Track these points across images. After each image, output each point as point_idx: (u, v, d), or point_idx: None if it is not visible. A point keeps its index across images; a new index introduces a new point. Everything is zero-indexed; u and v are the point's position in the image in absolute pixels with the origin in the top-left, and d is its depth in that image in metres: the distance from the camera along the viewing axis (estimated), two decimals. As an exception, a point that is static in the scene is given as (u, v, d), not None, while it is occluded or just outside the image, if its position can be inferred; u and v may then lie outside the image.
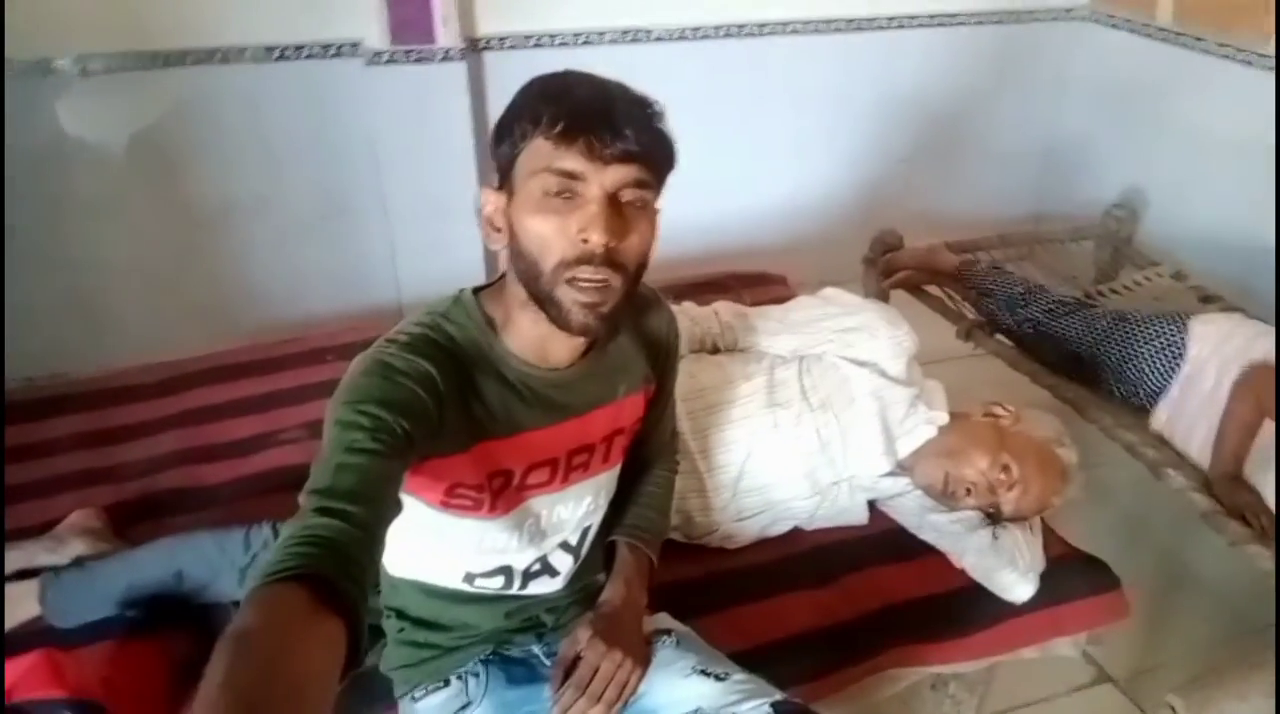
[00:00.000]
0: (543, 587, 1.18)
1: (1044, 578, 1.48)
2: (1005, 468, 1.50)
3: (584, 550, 1.20)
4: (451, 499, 1.03)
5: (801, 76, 2.90)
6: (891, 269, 2.59)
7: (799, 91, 2.93)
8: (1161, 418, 2.05)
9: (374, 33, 2.44)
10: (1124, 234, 2.72)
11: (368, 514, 0.83)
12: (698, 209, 2.91)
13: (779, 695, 1.10)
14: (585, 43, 2.63)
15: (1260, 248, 2.54)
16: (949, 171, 3.22)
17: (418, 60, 2.48)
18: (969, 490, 1.51)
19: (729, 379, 1.58)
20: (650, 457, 1.29)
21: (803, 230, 3.04)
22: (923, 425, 1.57)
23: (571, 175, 0.88)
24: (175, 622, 1.36)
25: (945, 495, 1.53)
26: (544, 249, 0.91)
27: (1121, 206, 2.76)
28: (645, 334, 1.16)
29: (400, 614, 1.17)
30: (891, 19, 2.92)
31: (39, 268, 2.38)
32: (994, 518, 1.54)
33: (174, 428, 1.80)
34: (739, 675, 1.14)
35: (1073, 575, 1.54)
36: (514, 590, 1.16)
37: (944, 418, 1.59)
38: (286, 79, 2.45)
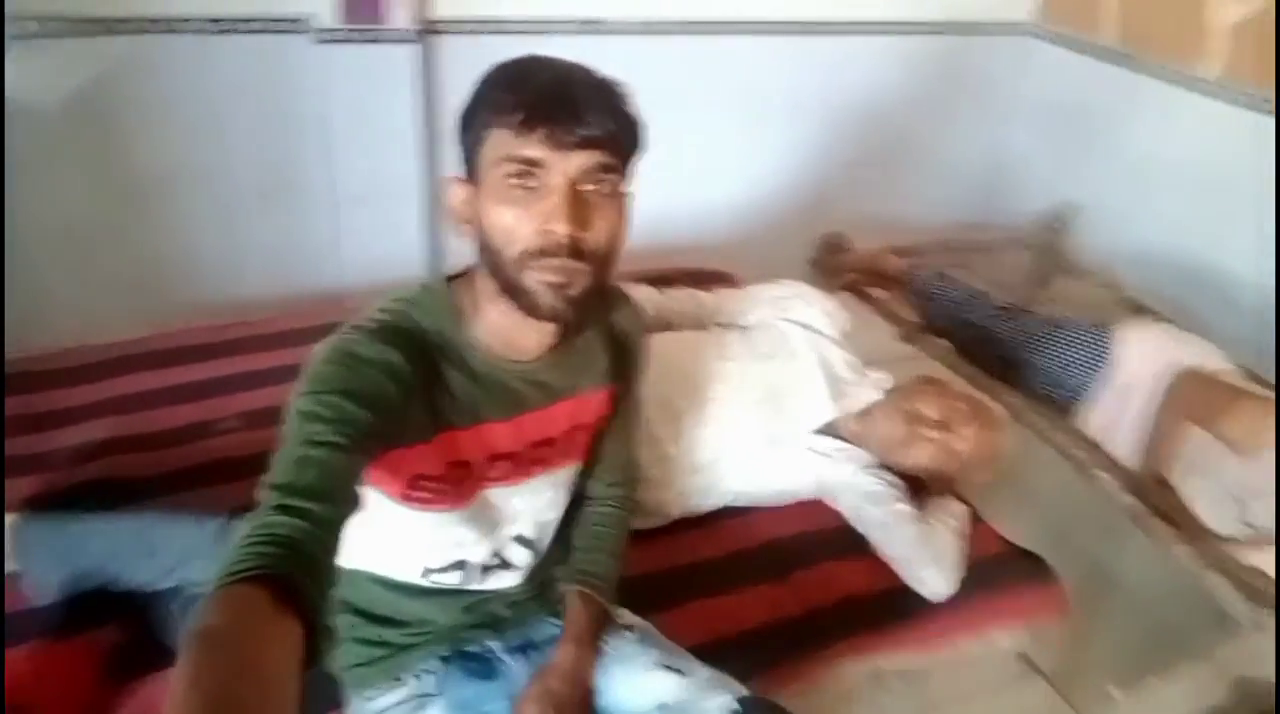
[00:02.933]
0: (500, 582, 1.16)
1: (983, 572, 1.53)
2: (956, 408, 1.57)
3: (541, 545, 1.19)
4: (413, 491, 1.01)
5: (756, 75, 2.92)
6: (837, 271, 2.63)
7: (753, 90, 2.95)
8: (1092, 422, 2.13)
9: (325, 9, 2.38)
10: (1059, 245, 2.82)
11: (328, 511, 0.81)
12: (646, 204, 2.92)
13: (744, 691, 1.11)
14: (542, 32, 2.61)
15: (1189, 265, 2.66)
16: (895, 177, 3.27)
17: (370, 40, 2.42)
18: (931, 429, 1.55)
19: (679, 341, 1.64)
20: (606, 480, 1.26)
21: (750, 229, 3.06)
22: (869, 387, 1.64)
23: (533, 163, 0.87)
24: (102, 617, 1.31)
25: (905, 442, 1.57)
26: (508, 240, 0.90)
27: (1058, 218, 2.86)
28: (612, 331, 1.15)
29: (354, 609, 1.14)
30: (846, 24, 2.95)
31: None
32: (932, 493, 1.62)
33: (106, 414, 1.72)
34: (702, 671, 1.15)
35: (1010, 570, 1.59)
36: (472, 585, 1.14)
37: (889, 381, 1.67)
38: (232, 52, 2.36)
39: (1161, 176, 2.81)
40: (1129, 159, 2.89)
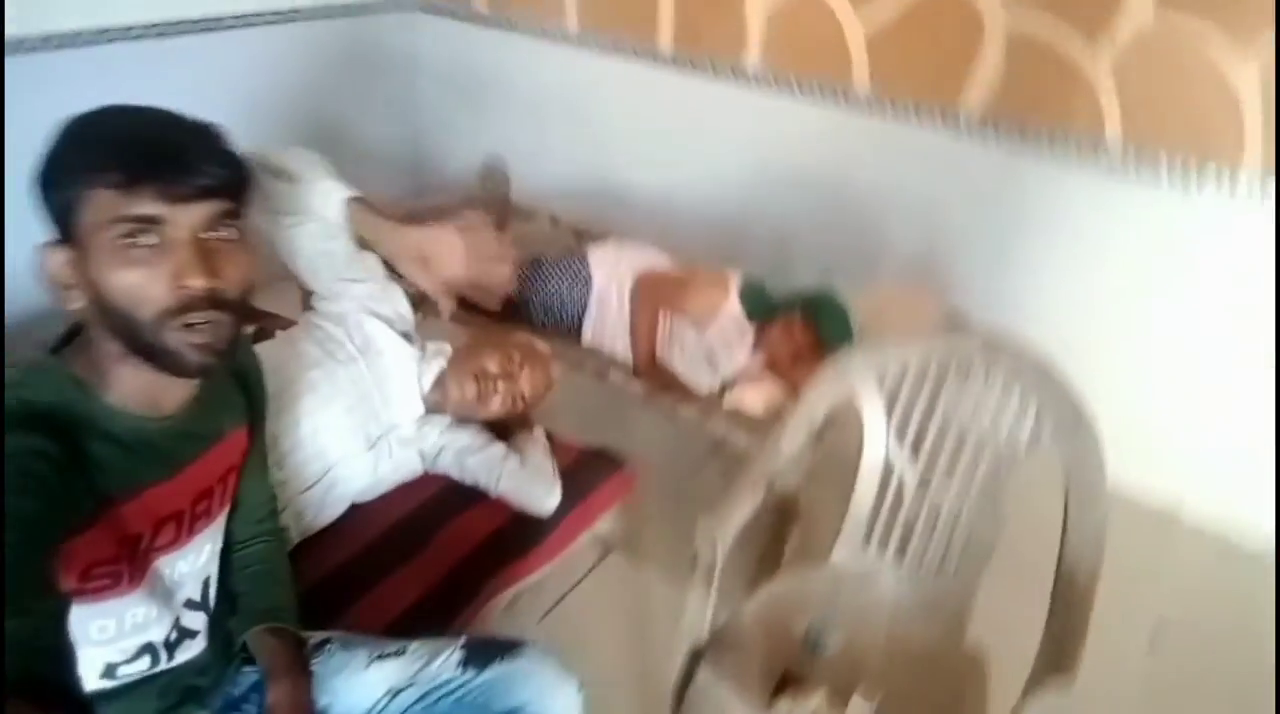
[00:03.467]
0: (188, 652, 1.10)
1: (572, 477, 1.79)
2: (510, 357, 1.75)
3: (211, 603, 1.13)
4: (87, 584, 0.92)
5: (159, 83, 2.69)
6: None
7: (162, 98, 2.72)
8: (588, 334, 2.52)
9: None
10: (502, 193, 3.15)
11: (41, 609, 0.77)
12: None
13: (462, 639, 1.20)
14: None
15: (598, 184, 3.20)
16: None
17: None
18: (496, 382, 1.72)
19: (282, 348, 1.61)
20: (255, 518, 1.24)
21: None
22: (435, 357, 1.77)
23: (150, 220, 0.84)
24: None
25: (479, 399, 1.72)
26: (137, 303, 0.86)
27: (494, 170, 3.19)
28: (235, 366, 1.12)
29: None
30: (235, 18, 2.86)
31: None
32: (510, 428, 1.80)
33: None
34: (413, 644, 1.21)
35: (590, 469, 1.87)
36: (162, 666, 1.06)
37: (448, 347, 1.80)
38: None
39: (553, 116, 3.30)
40: (523, 106, 3.33)
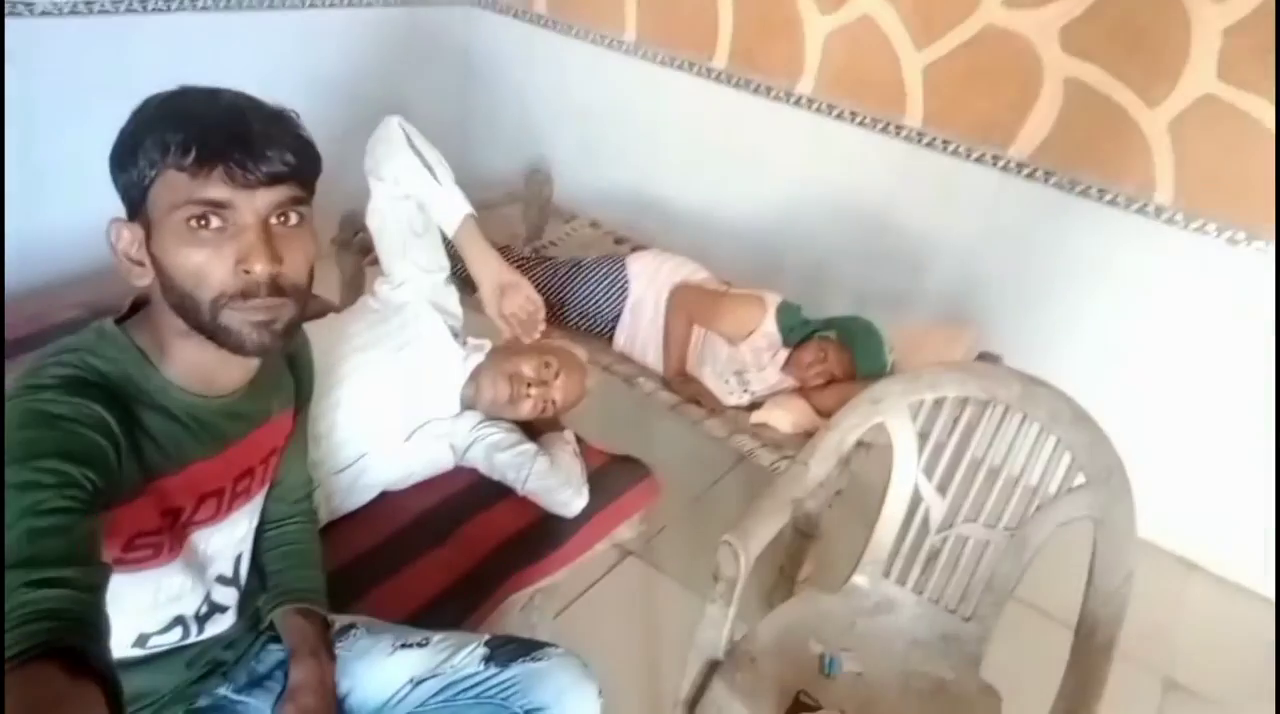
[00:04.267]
0: (217, 626, 1.12)
1: (597, 481, 1.80)
2: (547, 364, 1.76)
3: (242, 579, 1.15)
4: (129, 553, 0.94)
5: (217, 57, 2.75)
6: (366, 248, 2.66)
7: (216, 74, 2.77)
8: (620, 340, 2.53)
9: None
10: (545, 195, 3.18)
11: (85, 575, 0.76)
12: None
13: (485, 636, 1.22)
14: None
15: (644, 195, 3.22)
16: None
17: None
18: (529, 386, 1.73)
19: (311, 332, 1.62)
20: (291, 498, 1.26)
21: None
22: (474, 353, 1.78)
23: (218, 204, 0.85)
24: None
25: (511, 401, 1.73)
26: (200, 283, 0.87)
27: (538, 171, 3.21)
28: (289, 349, 1.14)
29: None
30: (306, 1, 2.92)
31: None
32: (540, 429, 1.82)
33: None
34: (437, 636, 1.22)
35: (616, 475, 1.88)
36: (192, 639, 1.07)
37: (488, 344, 1.82)
38: None
39: (602, 122, 3.31)
40: (574, 111, 3.36)
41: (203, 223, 0.85)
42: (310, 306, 1.88)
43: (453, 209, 1.67)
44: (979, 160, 2.58)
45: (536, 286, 2.56)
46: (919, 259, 2.78)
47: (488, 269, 1.69)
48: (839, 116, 2.80)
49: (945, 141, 2.63)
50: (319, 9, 2.98)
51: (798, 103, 2.87)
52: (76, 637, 0.71)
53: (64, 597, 0.72)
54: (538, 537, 1.69)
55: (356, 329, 1.66)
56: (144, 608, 1.00)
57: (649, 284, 2.52)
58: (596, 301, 2.55)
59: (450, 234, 1.69)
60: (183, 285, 0.87)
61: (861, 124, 2.76)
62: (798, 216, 2.99)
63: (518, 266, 2.60)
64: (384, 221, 1.73)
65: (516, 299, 1.71)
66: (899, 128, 2.70)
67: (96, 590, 0.77)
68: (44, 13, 2.32)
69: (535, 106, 3.49)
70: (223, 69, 2.77)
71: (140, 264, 0.90)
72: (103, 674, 0.70)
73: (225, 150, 0.84)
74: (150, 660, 1.04)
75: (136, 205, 0.88)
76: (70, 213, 2.29)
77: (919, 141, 2.67)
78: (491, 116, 3.62)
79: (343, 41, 3.10)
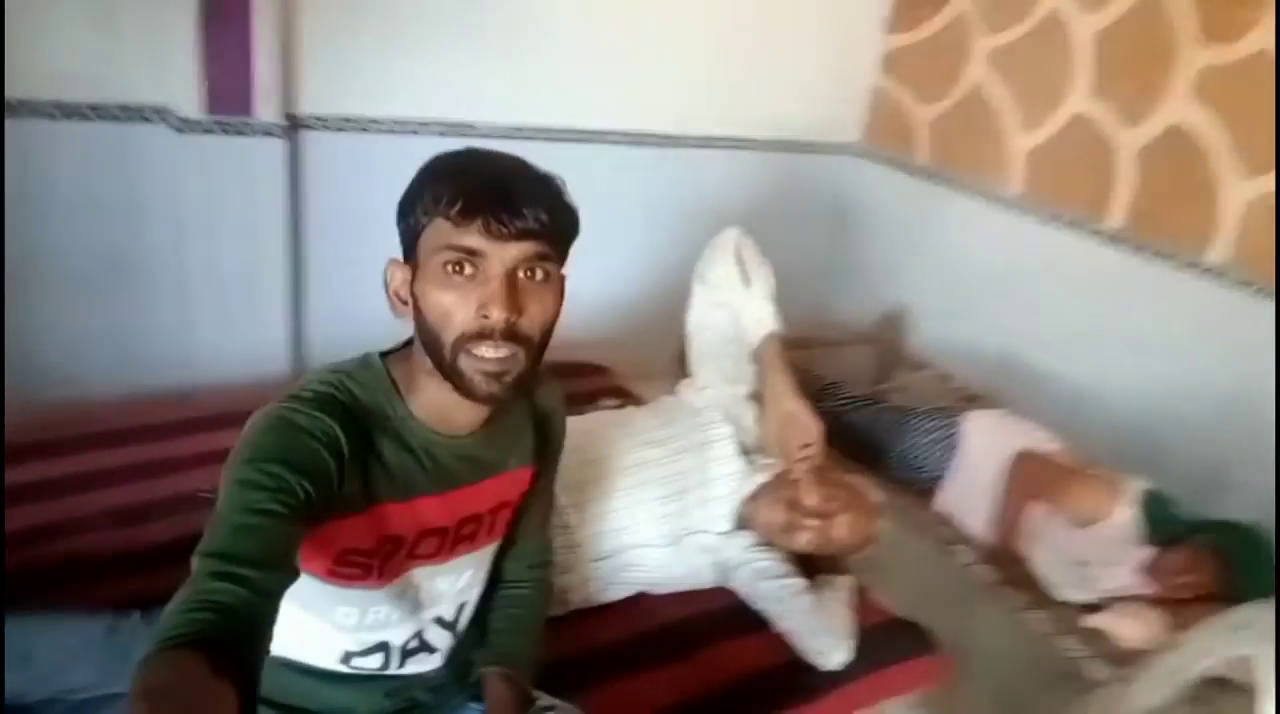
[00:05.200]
0: (421, 665, 1.13)
1: (870, 642, 1.59)
2: (831, 497, 1.63)
3: (460, 627, 1.16)
4: (340, 567, 0.98)
5: (616, 184, 3.06)
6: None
7: (614, 197, 3.08)
8: (945, 500, 2.29)
9: (186, 100, 2.32)
10: (897, 341, 3.06)
11: (267, 579, 0.81)
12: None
13: None
14: (411, 132, 2.65)
15: (1008, 357, 2.95)
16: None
17: (234, 133, 2.38)
18: (808, 517, 1.60)
19: (597, 421, 1.67)
20: (525, 562, 1.26)
21: (612, 327, 3.15)
22: (760, 471, 1.69)
23: (472, 252, 0.91)
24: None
25: (787, 529, 1.62)
26: (445, 323, 0.93)
27: (892, 317, 3.11)
28: (536, 409, 1.17)
29: (267, 700, 1.07)
30: (699, 139, 3.17)
31: None
32: (819, 568, 1.68)
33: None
34: None
35: (898, 640, 1.66)
36: (392, 670, 1.10)
37: (778, 466, 1.71)
38: (83, 139, 2.26)
39: (970, 276, 3.13)
40: (946, 263, 3.21)
41: (458, 269, 0.91)
42: (617, 397, 1.95)
43: (758, 323, 1.65)
44: None
45: (859, 429, 2.46)
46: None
47: (773, 390, 1.63)
48: (1258, 292, 2.36)
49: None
50: (712, 148, 3.21)
51: (1206, 272, 2.48)
52: (233, 636, 0.75)
53: (238, 595, 0.77)
54: (785, 681, 1.53)
55: (648, 425, 1.67)
56: (350, 626, 1.04)
57: (987, 445, 2.27)
58: (920, 454, 2.35)
59: (752, 346, 1.66)
60: (433, 324, 0.93)
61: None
62: (1191, 404, 2.53)
63: (840, 405, 2.51)
64: (698, 326, 1.75)
65: (792, 429, 1.61)
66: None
67: (272, 596, 0.81)
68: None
69: (903, 254, 3.40)
70: (612, 193, 3.15)
71: (405, 302, 0.98)
72: (244, 678, 0.73)
73: (486, 204, 0.90)
74: (352, 680, 1.08)
75: (410, 248, 0.96)
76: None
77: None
78: (858, 260, 3.60)
79: (724, 178, 3.30)
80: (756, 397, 1.80)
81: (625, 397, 2.18)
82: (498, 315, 0.90)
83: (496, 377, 0.93)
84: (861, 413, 2.50)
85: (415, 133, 2.64)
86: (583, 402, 2.00)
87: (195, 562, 0.80)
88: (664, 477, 1.61)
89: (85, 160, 2.30)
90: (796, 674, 1.54)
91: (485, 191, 0.90)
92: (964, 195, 3.14)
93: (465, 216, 0.90)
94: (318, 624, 1.04)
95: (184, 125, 2.33)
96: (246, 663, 0.74)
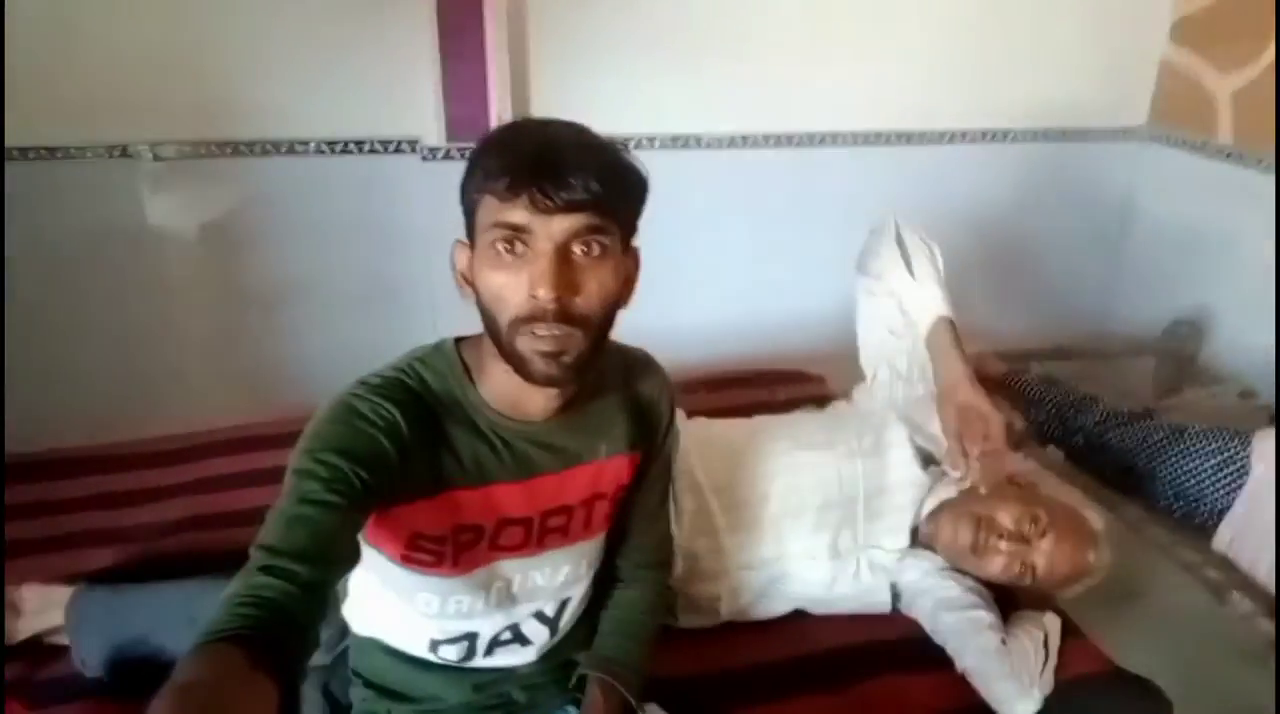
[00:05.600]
0: (512, 657, 1.11)
1: (1076, 697, 1.34)
2: (1035, 518, 1.41)
3: (562, 624, 1.13)
4: (413, 552, 0.98)
5: (851, 186, 2.91)
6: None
7: (848, 201, 2.93)
8: (1225, 537, 1.90)
9: (431, 130, 2.55)
10: (1188, 351, 2.61)
11: (315, 573, 0.81)
12: (737, 313, 2.92)
13: None
14: (636, 146, 2.71)
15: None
16: (1006, 284, 3.14)
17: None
18: (1002, 537, 1.41)
19: (750, 425, 1.60)
20: (635, 560, 1.20)
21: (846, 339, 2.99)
22: (946, 486, 1.51)
23: (519, 228, 0.86)
24: (144, 689, 1.32)
25: (975, 550, 1.43)
26: (498, 304, 0.89)
27: (1185, 323, 2.65)
28: (634, 397, 1.11)
29: (365, 681, 1.11)
30: (943, 134, 2.93)
31: (93, 340, 2.49)
32: (1019, 603, 1.45)
33: (184, 495, 1.80)
34: None
35: (1114, 697, 1.38)
36: (478, 661, 1.09)
37: (968, 481, 1.49)
38: (346, 171, 2.56)
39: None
40: (1254, 260, 2.67)
41: (509, 247, 0.87)
42: (819, 405, 1.82)
43: (926, 309, 1.47)
44: None
45: (1120, 449, 2.11)
46: None
47: (949, 381, 1.43)
48: None
49: None
50: (954, 144, 2.96)
51: None
52: (274, 629, 0.75)
53: (284, 590, 0.78)
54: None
55: (810, 428, 1.54)
56: (432, 614, 1.04)
57: None
58: (1201, 483, 1.96)
59: (921, 335, 1.48)
60: (489, 307, 0.90)
61: None
62: None
63: (1102, 420, 2.17)
64: (867, 322, 1.60)
65: (974, 425, 1.40)
66: None
67: (319, 589, 0.81)
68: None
69: (1201, 251, 2.89)
70: (845, 197, 2.97)
71: (470, 284, 0.95)
72: (285, 673, 0.73)
73: (531, 176, 0.85)
74: (441, 669, 1.08)
75: (469, 228, 0.94)
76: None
77: None
78: (1146, 260, 3.11)
79: (978, 175, 3.01)
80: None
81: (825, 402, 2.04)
82: (545, 295, 0.85)
83: (554, 357, 0.89)
84: (1125, 431, 2.14)
85: (640, 147, 2.69)
86: (779, 409, 1.89)
87: (251, 551, 0.82)
88: (823, 480, 1.47)
89: (349, 190, 2.59)
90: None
91: (530, 163, 0.85)
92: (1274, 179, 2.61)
93: (511, 191, 0.85)
94: (404, 609, 1.05)
95: (429, 154, 2.56)
96: (289, 657, 0.75)
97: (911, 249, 1.52)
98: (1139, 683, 1.41)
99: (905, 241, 1.52)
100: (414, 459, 0.93)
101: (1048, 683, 1.34)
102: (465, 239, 0.96)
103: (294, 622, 0.78)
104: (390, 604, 1.05)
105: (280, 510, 0.84)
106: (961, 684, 1.38)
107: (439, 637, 1.07)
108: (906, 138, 2.90)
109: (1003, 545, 1.41)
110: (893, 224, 1.56)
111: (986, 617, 1.40)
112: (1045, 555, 1.41)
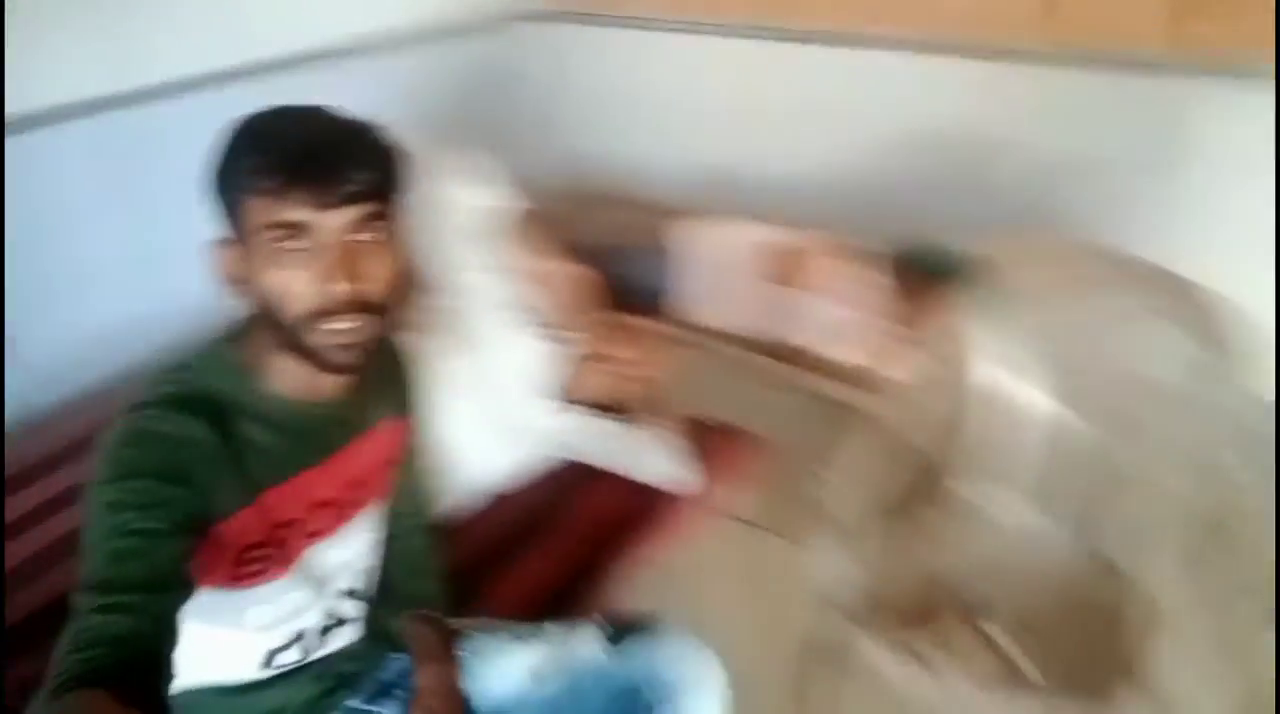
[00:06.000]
0: (340, 640, 1.13)
1: (697, 453, 1.75)
2: (629, 341, 1.67)
3: (369, 594, 1.17)
4: (243, 568, 0.96)
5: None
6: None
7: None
8: (689, 309, 2.43)
9: None
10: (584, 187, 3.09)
11: (156, 603, 0.78)
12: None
13: (596, 617, 1.19)
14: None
15: (720, 178, 3.03)
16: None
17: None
18: (611, 365, 1.64)
19: None
20: (409, 511, 1.24)
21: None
22: (562, 344, 1.69)
23: (298, 226, 0.85)
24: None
25: (600, 386, 1.65)
26: (286, 302, 0.88)
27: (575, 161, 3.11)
28: (391, 358, 1.16)
29: None
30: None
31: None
32: (634, 410, 1.75)
33: None
34: (550, 626, 1.20)
35: (716, 442, 1.83)
36: (314, 654, 1.09)
37: (577, 334, 1.70)
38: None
39: (665, 108, 3.02)
40: (632, 103, 3.17)
41: (286, 244, 0.86)
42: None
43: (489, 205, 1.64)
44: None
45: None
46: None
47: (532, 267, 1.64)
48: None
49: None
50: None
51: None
52: (129, 666, 0.71)
53: (129, 625, 0.73)
54: (640, 514, 1.67)
55: (431, 340, 1.65)
56: (266, 625, 1.02)
57: (707, 251, 2.41)
58: (648, 275, 2.46)
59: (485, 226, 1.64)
60: (272, 304, 0.88)
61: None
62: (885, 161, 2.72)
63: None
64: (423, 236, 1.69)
65: (566, 295, 1.66)
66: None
67: (165, 618, 0.78)
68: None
69: (574, 104, 3.34)
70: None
71: (244, 282, 0.91)
72: (154, 707, 0.71)
73: (303, 173, 0.84)
74: (278, 680, 1.07)
75: (230, 225, 0.89)
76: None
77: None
78: (536, 121, 3.46)
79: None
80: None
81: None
82: (341, 288, 0.87)
83: (351, 347, 0.91)
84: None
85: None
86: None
87: (76, 598, 0.75)
88: (469, 382, 1.61)
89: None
90: (648, 502, 1.68)
91: (301, 159, 0.84)
92: (624, 30, 3.00)
93: (285, 188, 0.83)
94: (231, 635, 1.01)
95: None
96: (152, 691, 0.72)
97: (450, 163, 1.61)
98: (725, 427, 1.88)
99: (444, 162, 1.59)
100: (223, 471, 0.89)
101: (688, 452, 1.72)
102: (222, 238, 0.91)
103: (148, 654, 0.75)
104: (211, 638, 0.99)
105: (98, 546, 0.78)
106: (627, 483, 1.70)
107: (275, 645, 1.05)
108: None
109: (617, 368, 1.65)
110: None
111: (625, 427, 1.71)
112: (642, 364, 1.66)
